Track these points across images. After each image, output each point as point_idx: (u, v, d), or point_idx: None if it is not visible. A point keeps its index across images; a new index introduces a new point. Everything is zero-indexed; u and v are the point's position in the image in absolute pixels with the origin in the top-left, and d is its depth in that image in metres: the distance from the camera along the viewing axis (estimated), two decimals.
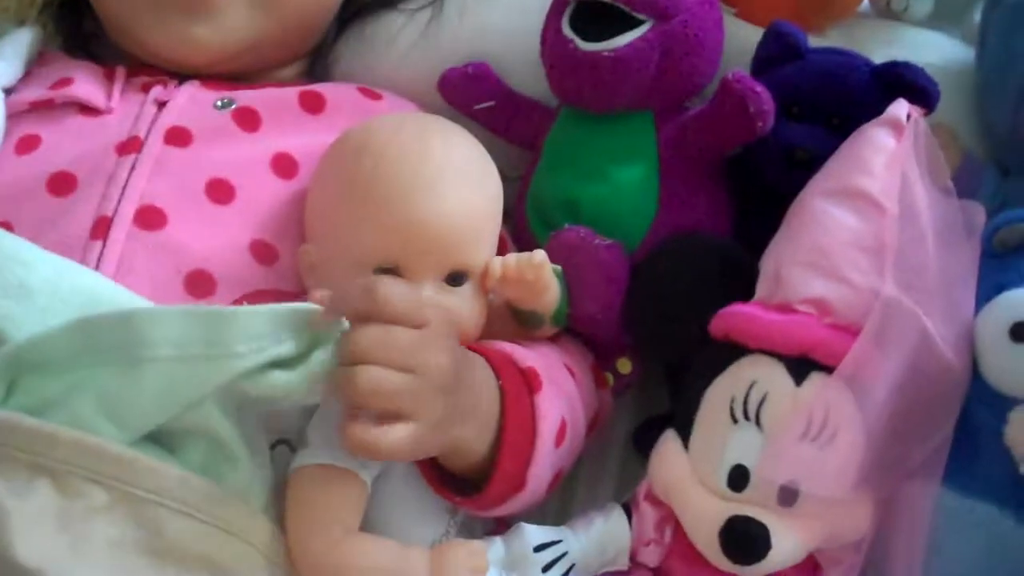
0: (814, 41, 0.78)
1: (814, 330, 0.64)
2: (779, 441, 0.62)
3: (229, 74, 0.77)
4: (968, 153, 0.76)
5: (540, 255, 0.66)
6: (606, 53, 0.68)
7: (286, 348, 0.56)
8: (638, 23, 0.68)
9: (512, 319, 0.71)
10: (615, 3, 0.67)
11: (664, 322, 0.71)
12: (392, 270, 0.64)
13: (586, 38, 0.69)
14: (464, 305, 0.67)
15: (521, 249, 0.71)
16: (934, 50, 0.81)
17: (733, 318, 0.66)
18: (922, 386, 0.62)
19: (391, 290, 0.57)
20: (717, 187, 0.75)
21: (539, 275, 0.66)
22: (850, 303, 0.64)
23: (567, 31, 0.70)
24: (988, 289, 0.65)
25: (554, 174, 0.75)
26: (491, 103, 0.78)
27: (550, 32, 0.72)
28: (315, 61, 0.85)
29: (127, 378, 0.55)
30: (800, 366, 0.63)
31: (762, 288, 0.68)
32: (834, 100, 0.72)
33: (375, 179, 0.65)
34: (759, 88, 0.67)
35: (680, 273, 0.70)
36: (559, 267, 0.69)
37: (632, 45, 0.68)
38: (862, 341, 0.62)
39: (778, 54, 0.74)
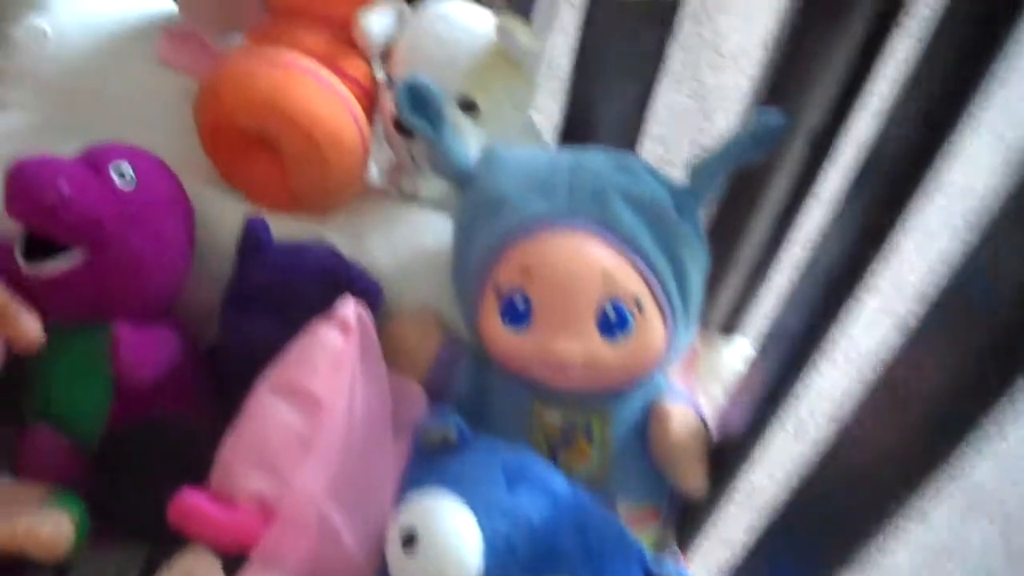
0: (312, 225, 0.84)
1: (252, 531, 0.68)
2: None
3: None
4: (451, 334, 0.82)
5: None
6: (39, 275, 0.72)
7: None
8: (68, 250, 0.72)
9: None
10: (41, 239, 0.71)
11: (127, 507, 0.74)
12: None
13: (29, 259, 0.72)
14: None
15: None
16: (432, 233, 0.85)
17: (183, 507, 0.68)
18: None
19: None
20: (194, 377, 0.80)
21: None
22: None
23: (17, 253, 0.73)
24: (409, 486, 0.71)
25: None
26: None
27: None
28: None
29: None
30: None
31: (215, 476, 0.72)
32: (286, 293, 0.77)
33: None
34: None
35: (134, 458, 0.74)
36: None
37: (61, 270, 0.72)
38: (274, 531, 0.67)
39: (247, 247, 0.80)
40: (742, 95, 0.81)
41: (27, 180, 0.70)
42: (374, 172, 0.89)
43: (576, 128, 0.90)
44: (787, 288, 0.72)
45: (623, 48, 0.83)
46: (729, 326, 0.95)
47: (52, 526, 0.67)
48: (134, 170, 0.75)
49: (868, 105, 0.72)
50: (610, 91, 0.87)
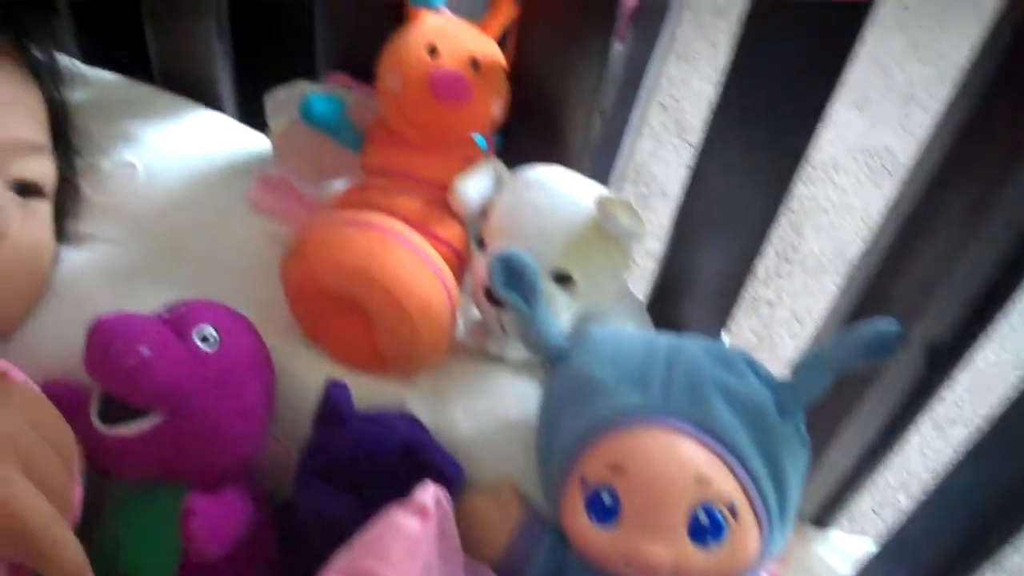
0: (395, 387, 0.81)
1: None
2: None
3: None
4: (530, 511, 0.78)
5: None
6: (115, 436, 0.71)
7: None
8: (145, 413, 0.70)
9: None
10: (118, 400, 0.70)
11: None
12: None
13: (105, 421, 0.71)
14: None
15: None
16: (517, 399, 0.82)
17: None
18: None
19: None
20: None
21: None
22: None
23: (92, 413, 0.72)
24: None
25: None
26: None
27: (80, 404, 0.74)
28: None
29: None
30: None
31: None
32: (364, 469, 0.74)
33: None
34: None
35: None
36: None
37: (137, 433, 0.70)
38: None
39: (326, 416, 0.77)
40: (833, 207, 0.77)
41: (108, 342, 0.68)
42: (460, 327, 0.86)
43: (676, 267, 0.87)
44: (915, 502, 0.68)
45: (736, 199, 0.80)
46: (822, 519, 0.90)
47: None
48: (218, 331, 0.73)
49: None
50: (716, 233, 0.84)
